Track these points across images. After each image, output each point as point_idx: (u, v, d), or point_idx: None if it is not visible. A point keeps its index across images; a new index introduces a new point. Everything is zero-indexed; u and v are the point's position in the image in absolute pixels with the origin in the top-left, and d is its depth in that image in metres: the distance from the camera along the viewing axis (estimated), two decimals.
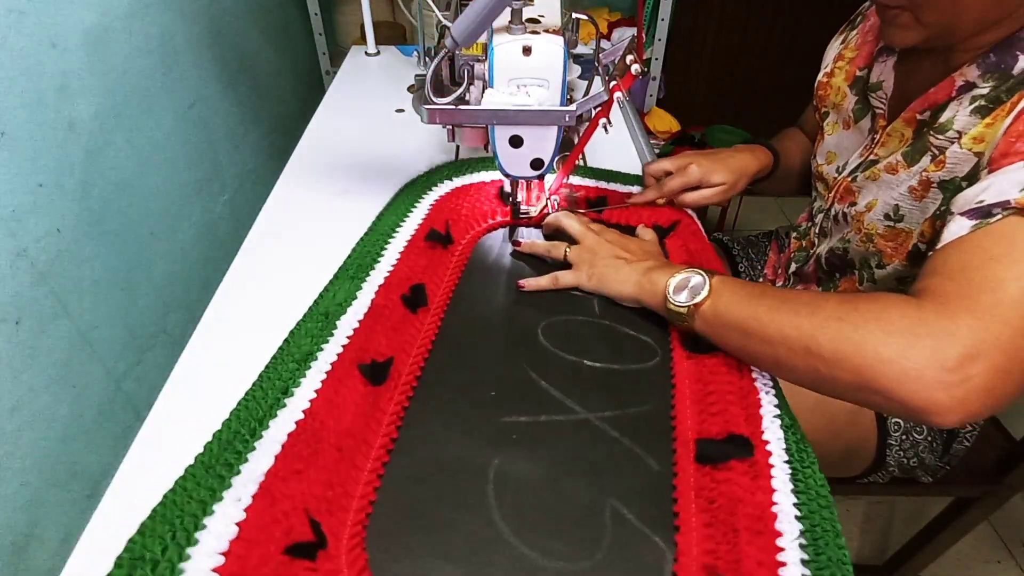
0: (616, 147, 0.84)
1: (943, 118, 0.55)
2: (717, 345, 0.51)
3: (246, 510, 0.39)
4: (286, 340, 0.52)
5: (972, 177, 0.51)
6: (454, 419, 0.48)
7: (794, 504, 0.41)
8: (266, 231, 0.69)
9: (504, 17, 0.51)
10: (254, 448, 0.43)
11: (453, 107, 0.53)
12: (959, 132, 0.53)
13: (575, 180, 0.76)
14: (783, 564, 0.38)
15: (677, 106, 1.76)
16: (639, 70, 0.58)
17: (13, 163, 0.64)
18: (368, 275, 0.59)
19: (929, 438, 0.68)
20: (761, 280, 0.88)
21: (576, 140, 0.65)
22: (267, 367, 0.50)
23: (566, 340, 0.55)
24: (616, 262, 0.58)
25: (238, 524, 0.38)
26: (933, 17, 0.51)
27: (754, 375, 0.50)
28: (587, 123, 0.62)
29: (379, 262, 0.61)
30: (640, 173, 0.75)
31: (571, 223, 0.63)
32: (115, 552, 0.37)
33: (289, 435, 0.44)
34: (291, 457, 0.42)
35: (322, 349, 0.51)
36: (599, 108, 0.58)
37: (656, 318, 0.56)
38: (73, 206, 0.72)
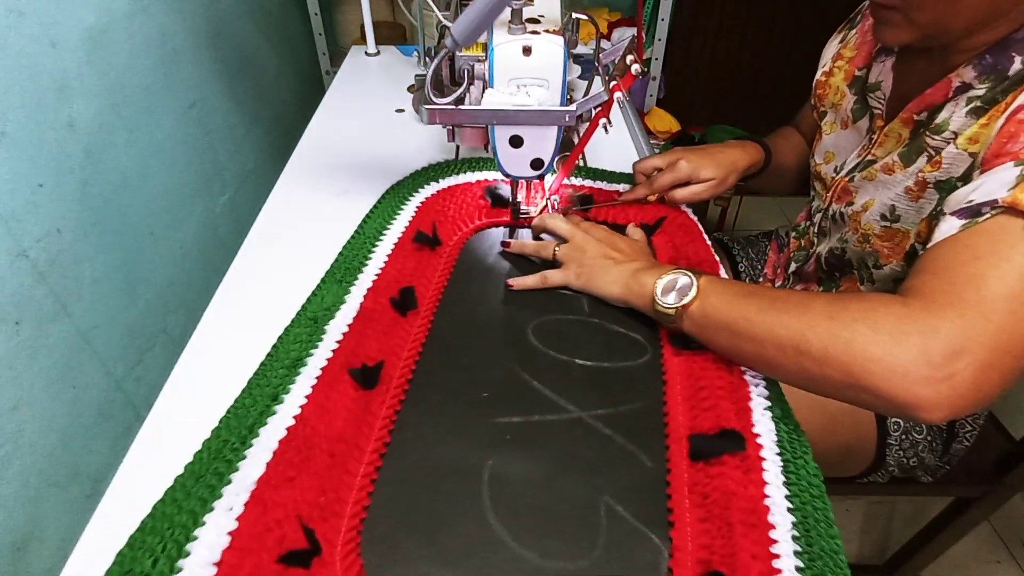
0: (616, 147, 0.84)
1: (939, 119, 0.55)
2: (706, 346, 0.52)
3: (238, 519, 0.39)
4: (274, 346, 0.52)
5: (967, 177, 0.51)
6: (447, 421, 0.48)
7: (786, 496, 0.42)
8: (266, 231, 0.69)
9: (504, 17, 0.51)
10: (244, 456, 0.42)
11: (453, 107, 0.53)
12: (955, 133, 0.53)
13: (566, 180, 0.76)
14: (777, 556, 0.38)
15: (677, 106, 1.77)
16: (639, 70, 0.58)
17: (13, 163, 0.64)
18: (356, 279, 0.59)
19: (929, 438, 0.68)
20: (761, 280, 0.88)
21: (576, 140, 0.65)
22: (256, 374, 0.49)
23: (557, 339, 0.55)
24: (604, 262, 0.58)
25: (230, 534, 0.38)
26: (925, 17, 0.52)
27: (743, 369, 0.51)
28: (587, 123, 0.62)
29: (367, 265, 0.61)
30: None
31: (558, 223, 0.63)
32: (115, 552, 0.37)
33: (280, 442, 0.43)
34: (283, 464, 0.42)
35: (311, 354, 0.50)
36: (599, 108, 0.58)
37: (645, 315, 0.56)
38: (73, 206, 0.72)
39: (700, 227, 0.70)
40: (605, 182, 0.76)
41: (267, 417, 0.45)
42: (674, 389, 0.50)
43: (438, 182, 0.74)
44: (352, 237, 0.65)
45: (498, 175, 0.75)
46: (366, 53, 1.18)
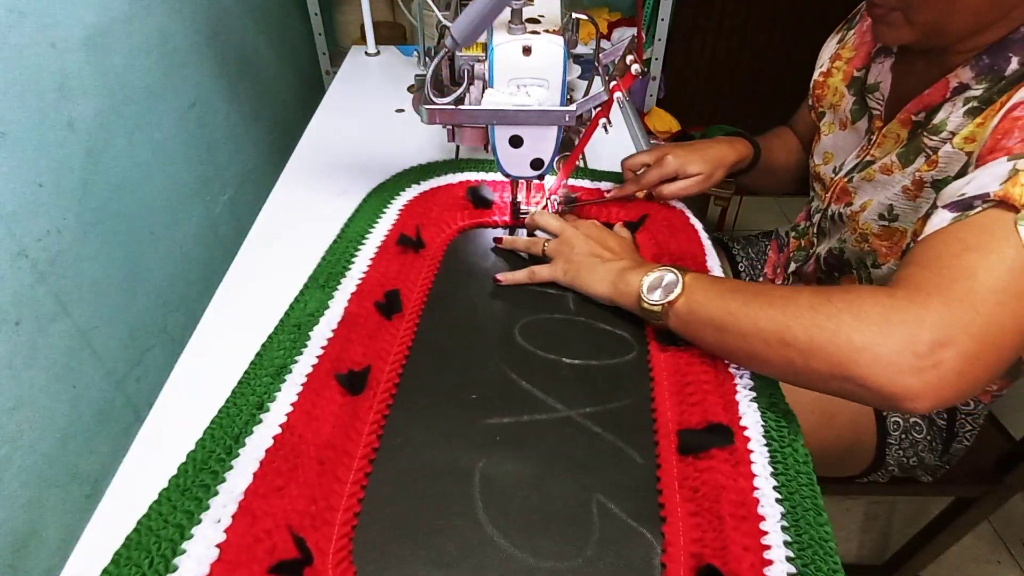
0: (616, 147, 0.84)
1: (937, 119, 0.55)
2: (693, 343, 0.52)
3: (227, 531, 0.38)
4: (258, 354, 0.51)
5: (962, 175, 0.51)
6: (436, 424, 0.47)
7: (775, 487, 0.42)
8: (266, 231, 0.69)
9: (504, 17, 0.51)
10: (231, 467, 0.42)
11: (453, 107, 0.53)
12: (952, 133, 0.53)
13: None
14: (767, 547, 0.38)
15: (677, 106, 1.77)
16: (639, 70, 0.58)
17: (13, 163, 0.64)
18: (339, 284, 0.59)
19: (929, 438, 0.68)
20: (761, 279, 0.88)
21: (576, 140, 0.65)
22: (240, 383, 0.49)
23: (543, 339, 0.55)
24: (592, 260, 0.58)
25: (219, 546, 0.38)
26: (924, 17, 0.52)
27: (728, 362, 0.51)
28: (587, 123, 0.62)
29: (350, 270, 0.60)
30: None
31: (548, 220, 0.64)
32: (114, 552, 0.37)
33: (267, 451, 0.43)
34: (271, 473, 0.42)
35: (296, 361, 0.50)
36: (599, 108, 0.58)
37: (631, 313, 0.56)
38: (73, 206, 0.72)
39: (694, 222, 0.70)
40: (589, 180, 0.76)
41: (253, 426, 0.45)
42: (661, 385, 0.50)
43: (419, 185, 0.74)
44: (334, 241, 0.65)
45: (480, 176, 0.75)
46: (366, 53, 1.18)
